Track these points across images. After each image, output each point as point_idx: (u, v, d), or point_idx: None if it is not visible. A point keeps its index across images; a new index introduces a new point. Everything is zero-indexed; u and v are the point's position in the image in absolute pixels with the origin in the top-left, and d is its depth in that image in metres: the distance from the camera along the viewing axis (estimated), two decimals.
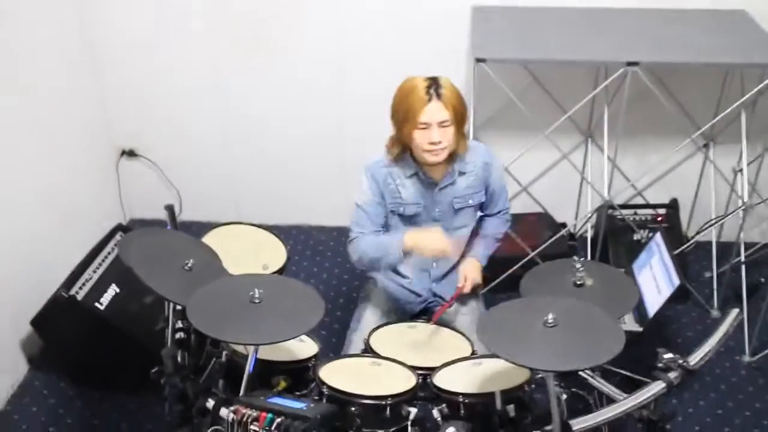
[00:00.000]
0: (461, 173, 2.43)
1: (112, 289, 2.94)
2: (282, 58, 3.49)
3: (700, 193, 3.65)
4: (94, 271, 2.96)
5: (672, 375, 1.94)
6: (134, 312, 2.92)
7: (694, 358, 1.99)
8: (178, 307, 2.14)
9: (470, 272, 2.48)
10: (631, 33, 3.04)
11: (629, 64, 2.74)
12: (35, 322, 2.89)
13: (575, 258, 2.19)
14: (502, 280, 3.23)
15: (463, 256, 2.57)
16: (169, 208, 2.73)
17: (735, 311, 2.14)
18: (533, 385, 1.99)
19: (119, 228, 3.20)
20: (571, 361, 1.66)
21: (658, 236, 2.78)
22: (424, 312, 2.61)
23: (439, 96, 2.23)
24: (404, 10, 3.31)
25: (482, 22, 3.10)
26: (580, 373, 2.22)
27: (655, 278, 2.72)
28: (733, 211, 3.30)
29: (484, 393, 1.92)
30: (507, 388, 1.91)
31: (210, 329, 1.76)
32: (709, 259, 3.55)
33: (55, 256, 3.11)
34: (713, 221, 3.46)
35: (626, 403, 1.91)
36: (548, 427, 1.83)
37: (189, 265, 2.10)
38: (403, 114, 2.26)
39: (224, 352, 2.06)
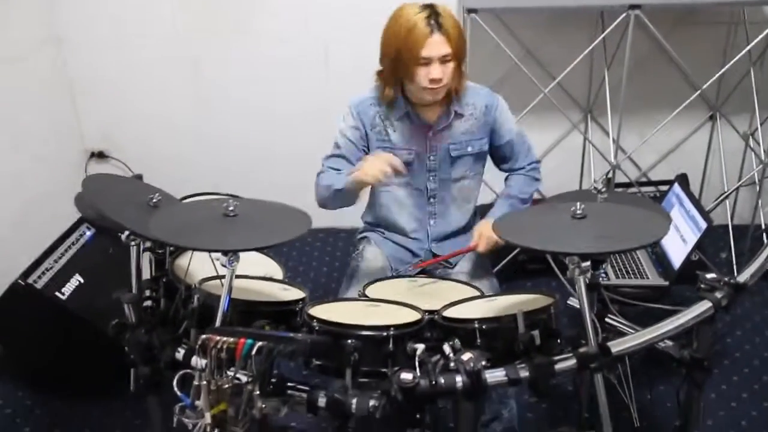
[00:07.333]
0: (458, 115, 2.19)
1: (76, 279, 2.67)
2: (263, 37, 3.30)
3: (708, 170, 3.45)
4: (56, 261, 2.68)
5: (718, 294, 1.68)
6: (99, 304, 2.57)
7: (744, 276, 1.73)
8: None
9: (486, 230, 2.16)
10: None
11: (631, 7, 2.58)
12: None
13: (596, 183, 1.94)
14: (507, 264, 3.00)
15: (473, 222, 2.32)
16: (138, 178, 2.52)
17: None
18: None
19: (84, 220, 2.91)
20: (611, 243, 1.38)
21: (676, 186, 2.56)
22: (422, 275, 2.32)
23: (440, 26, 1.99)
24: None
25: None
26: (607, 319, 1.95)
27: (678, 229, 2.48)
28: (750, 174, 3.12)
29: (503, 316, 1.62)
30: (530, 310, 1.62)
31: (175, 238, 1.47)
32: (723, 240, 3.36)
33: (15, 253, 2.80)
34: (728, 192, 3.24)
35: (670, 323, 1.63)
36: (582, 349, 1.54)
37: (155, 200, 1.83)
38: (401, 51, 2.00)
39: (196, 296, 1.75)
